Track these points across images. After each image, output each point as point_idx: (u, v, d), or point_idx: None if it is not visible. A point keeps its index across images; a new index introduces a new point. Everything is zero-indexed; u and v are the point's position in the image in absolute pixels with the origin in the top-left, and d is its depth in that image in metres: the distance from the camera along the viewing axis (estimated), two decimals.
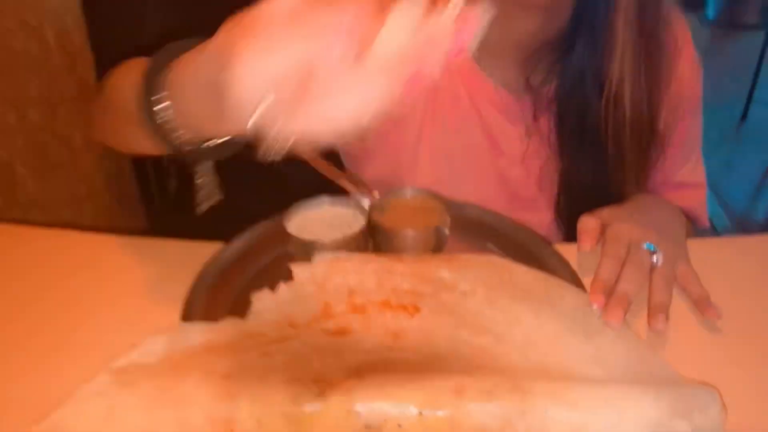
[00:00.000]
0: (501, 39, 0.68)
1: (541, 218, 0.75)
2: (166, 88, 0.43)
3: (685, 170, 0.79)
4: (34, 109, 1.21)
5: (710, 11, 4.18)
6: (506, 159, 0.74)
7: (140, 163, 1.45)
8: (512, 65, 0.71)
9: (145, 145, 0.47)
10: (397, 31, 0.29)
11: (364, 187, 0.65)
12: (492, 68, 0.72)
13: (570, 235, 0.68)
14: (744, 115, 2.94)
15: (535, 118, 0.72)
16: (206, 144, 0.46)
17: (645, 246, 0.59)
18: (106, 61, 1.26)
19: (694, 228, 0.80)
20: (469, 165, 0.75)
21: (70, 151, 1.28)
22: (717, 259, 0.65)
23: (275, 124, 0.32)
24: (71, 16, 1.26)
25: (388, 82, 0.30)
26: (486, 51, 0.69)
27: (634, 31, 0.65)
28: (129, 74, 0.50)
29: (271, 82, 0.31)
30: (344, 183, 0.65)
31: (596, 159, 0.70)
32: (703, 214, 0.80)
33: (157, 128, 0.44)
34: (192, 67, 0.41)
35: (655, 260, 0.59)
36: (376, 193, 0.64)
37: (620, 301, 0.54)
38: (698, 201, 0.80)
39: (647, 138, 0.70)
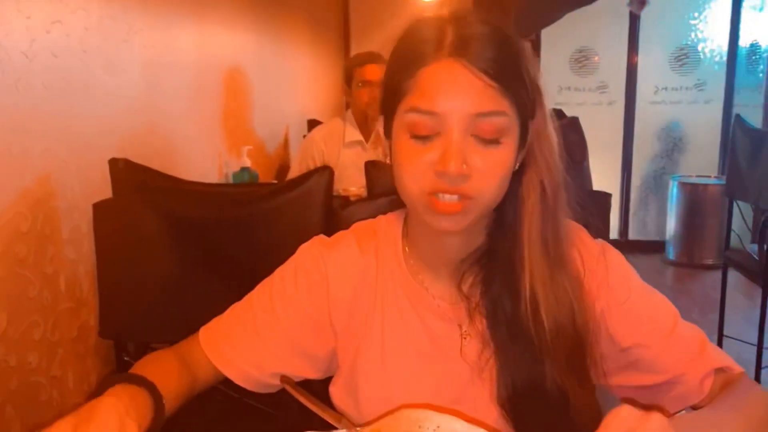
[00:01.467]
0: (434, 256, 0.81)
1: (487, 412, 0.78)
2: None
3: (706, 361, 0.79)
4: (35, 352, 1.27)
5: (670, 253, 4.54)
6: (449, 358, 0.80)
7: None
8: (445, 277, 0.81)
9: None
10: None
11: (347, 420, 0.69)
12: (429, 281, 0.82)
13: (518, 428, 0.72)
14: None
15: (470, 319, 0.79)
16: None
17: None
18: (108, 305, 1.37)
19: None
20: (419, 366, 0.80)
21: (60, 393, 1.31)
22: None
23: None
24: (83, 266, 1.39)
25: None
26: (424, 266, 0.82)
27: (539, 252, 0.74)
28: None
29: None
30: (327, 416, 0.70)
31: (528, 357, 0.74)
32: (728, 359, 0.79)
33: None
34: None
35: None
36: (358, 430, 0.68)
37: None
38: (716, 354, 0.79)
39: (571, 343, 0.75)
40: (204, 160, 2.18)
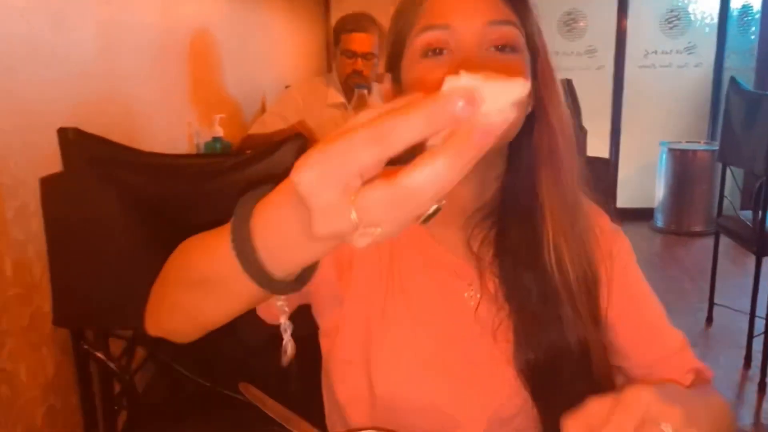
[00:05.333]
0: (446, 205, 0.72)
1: (503, 374, 0.74)
2: (253, 230, 0.44)
3: (662, 344, 0.79)
4: None
5: (658, 220, 4.49)
6: (460, 317, 0.76)
7: (88, 396, 1.36)
8: (455, 230, 0.77)
9: (233, 297, 0.50)
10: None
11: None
12: (440, 234, 0.78)
13: (536, 392, 0.72)
14: (709, 319, 2.99)
15: (481, 278, 0.76)
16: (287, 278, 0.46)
17: (663, 428, 0.50)
18: (62, 290, 1.25)
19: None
20: (428, 327, 0.76)
21: (11, 387, 1.19)
22: None
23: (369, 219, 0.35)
24: (33, 247, 1.26)
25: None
26: (435, 219, 0.74)
27: (556, 192, 0.72)
28: (202, 243, 0.54)
29: (354, 175, 0.34)
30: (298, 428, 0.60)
31: (550, 314, 0.73)
32: (702, 366, 0.79)
33: (254, 269, 0.44)
34: (276, 200, 0.43)
35: None
36: None
37: None
38: (689, 358, 0.79)
39: (590, 292, 0.74)
40: (171, 129, 2.04)
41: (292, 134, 1.22)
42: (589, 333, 0.73)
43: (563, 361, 0.72)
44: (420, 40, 0.69)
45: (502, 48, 0.69)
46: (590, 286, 0.75)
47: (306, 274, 0.48)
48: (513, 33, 0.69)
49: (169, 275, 0.60)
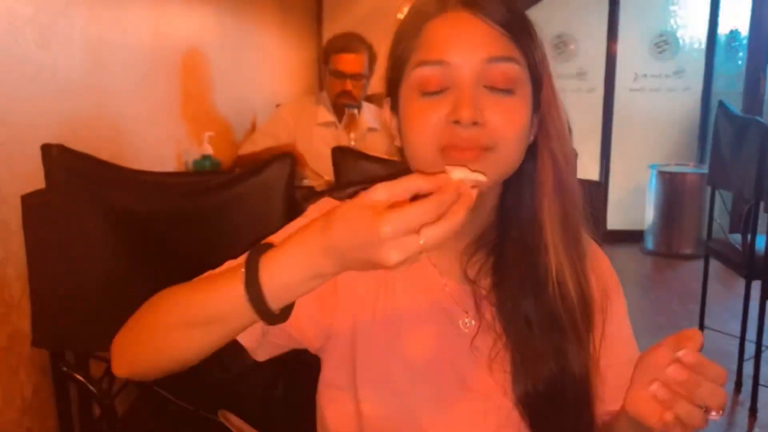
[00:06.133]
0: None
1: (498, 405, 0.73)
2: (262, 275, 0.56)
3: None
4: None
5: (648, 243, 4.49)
6: (455, 346, 0.74)
7: (67, 420, 1.32)
8: (452, 257, 0.76)
9: (228, 331, 0.62)
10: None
11: None
12: (437, 259, 0.76)
13: (534, 423, 0.71)
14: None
15: (477, 307, 0.74)
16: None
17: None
18: (42, 310, 1.22)
19: None
20: (420, 354, 0.74)
21: None
22: None
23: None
24: (13, 266, 1.24)
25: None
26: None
27: (559, 225, 0.71)
28: (201, 287, 0.64)
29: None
30: None
31: (552, 345, 0.71)
32: None
33: (259, 306, 0.57)
34: (294, 246, 0.56)
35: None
36: None
37: None
38: None
39: (591, 322, 0.74)
40: (160, 146, 2.02)
41: (280, 153, 1.20)
42: (589, 363, 0.73)
43: (563, 391, 0.71)
44: (416, 74, 0.68)
45: (501, 91, 0.66)
46: (589, 317, 0.74)
47: (290, 307, 0.60)
48: (513, 71, 0.67)
49: (155, 319, 0.65)
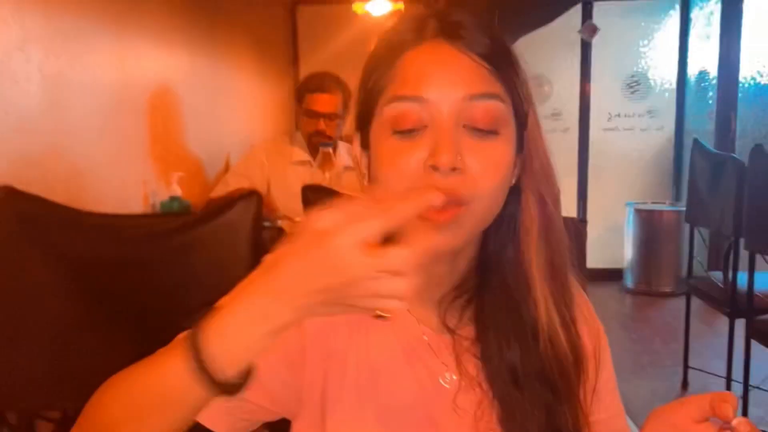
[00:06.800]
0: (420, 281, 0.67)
1: None
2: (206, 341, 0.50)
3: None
4: None
5: (628, 281, 4.47)
6: (437, 400, 0.67)
7: None
8: (429, 304, 0.69)
9: (185, 411, 0.53)
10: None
11: None
12: (414, 310, 0.69)
13: None
14: (684, 383, 2.91)
15: (458, 360, 0.68)
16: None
17: None
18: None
19: None
20: (399, 411, 0.67)
21: None
22: None
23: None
24: None
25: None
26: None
27: (547, 273, 0.66)
28: (143, 371, 0.55)
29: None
30: None
31: (543, 402, 0.65)
32: None
33: (207, 372, 0.49)
34: (239, 298, 0.50)
35: None
36: None
37: None
38: None
39: (584, 369, 0.69)
40: (125, 188, 1.93)
41: (245, 192, 1.13)
42: (580, 420, 0.67)
43: None
44: (389, 110, 0.62)
45: (484, 133, 0.60)
46: (580, 370, 0.68)
47: (249, 375, 0.52)
48: (497, 109, 0.61)
49: (104, 416, 0.57)
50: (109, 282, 1.12)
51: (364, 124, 0.66)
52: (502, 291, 0.67)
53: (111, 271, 1.13)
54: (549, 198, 0.66)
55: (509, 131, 0.63)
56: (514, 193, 0.66)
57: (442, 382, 0.68)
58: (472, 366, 0.67)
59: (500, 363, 0.66)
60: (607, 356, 0.75)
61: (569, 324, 0.67)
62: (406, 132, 0.60)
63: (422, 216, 0.59)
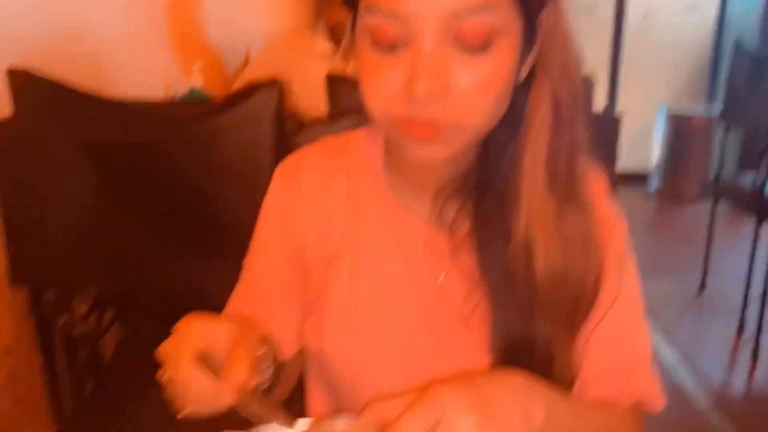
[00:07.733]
0: (413, 176, 0.67)
1: (477, 362, 0.65)
2: None
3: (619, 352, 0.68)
4: None
5: (652, 185, 4.40)
6: (429, 297, 0.68)
7: (51, 361, 1.28)
8: (427, 199, 0.67)
9: None
10: None
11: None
12: (411, 201, 0.68)
13: None
14: (702, 286, 2.94)
15: (453, 253, 0.66)
16: None
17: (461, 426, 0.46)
18: (18, 247, 1.15)
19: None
20: (393, 303, 0.68)
21: None
22: None
23: None
24: None
25: None
26: (405, 184, 0.68)
27: (541, 187, 0.60)
28: None
29: None
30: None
31: (520, 308, 0.63)
32: (653, 394, 0.68)
33: None
34: None
35: None
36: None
37: None
38: (640, 384, 0.68)
39: (574, 300, 0.63)
40: (147, 77, 1.90)
41: (267, 80, 1.10)
42: (557, 340, 0.63)
43: (525, 360, 0.61)
44: (367, 18, 0.54)
45: (473, 49, 0.53)
46: (575, 291, 0.63)
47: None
48: (489, 23, 0.52)
49: None
50: (132, 168, 1.13)
51: (351, 5, 0.58)
52: (497, 190, 0.62)
53: (133, 157, 1.13)
54: (565, 97, 0.59)
55: (509, 39, 0.55)
56: (525, 86, 0.60)
57: (437, 276, 0.67)
58: (466, 261, 0.66)
59: (493, 257, 0.63)
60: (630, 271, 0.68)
61: (567, 238, 0.61)
62: (385, 47, 0.54)
63: (404, 133, 0.56)
